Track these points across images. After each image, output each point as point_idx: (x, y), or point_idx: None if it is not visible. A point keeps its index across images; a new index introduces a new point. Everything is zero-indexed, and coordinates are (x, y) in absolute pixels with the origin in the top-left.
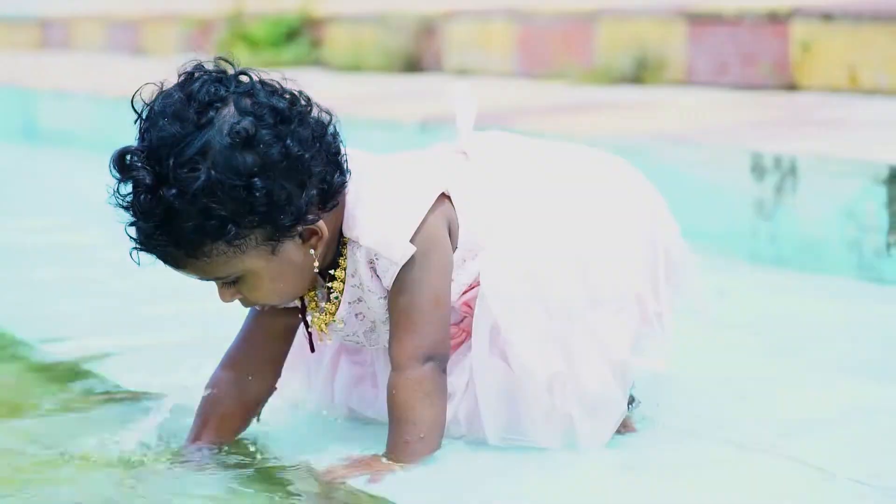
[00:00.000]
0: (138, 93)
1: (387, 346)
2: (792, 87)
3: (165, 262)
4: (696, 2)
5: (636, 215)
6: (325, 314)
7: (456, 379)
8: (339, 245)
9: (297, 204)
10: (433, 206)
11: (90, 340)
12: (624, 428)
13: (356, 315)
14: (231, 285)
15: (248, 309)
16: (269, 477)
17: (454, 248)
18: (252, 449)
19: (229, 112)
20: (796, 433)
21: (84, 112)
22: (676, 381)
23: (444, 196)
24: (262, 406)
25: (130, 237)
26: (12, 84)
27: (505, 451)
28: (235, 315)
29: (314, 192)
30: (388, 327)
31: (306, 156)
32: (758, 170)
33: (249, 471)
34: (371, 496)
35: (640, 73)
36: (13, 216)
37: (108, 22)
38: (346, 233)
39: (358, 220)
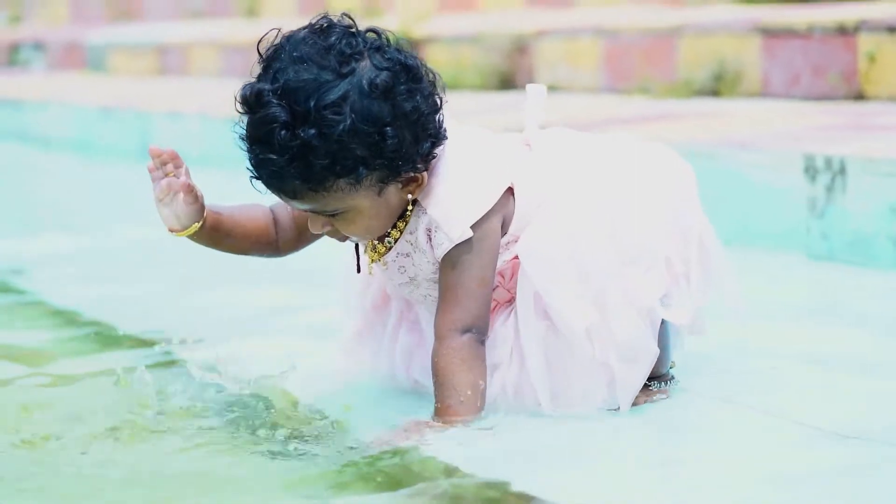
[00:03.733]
0: (264, 38)
1: (423, 301)
2: (859, 96)
3: (283, 192)
4: (770, 16)
5: (671, 196)
6: (375, 253)
7: (499, 350)
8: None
9: (414, 154)
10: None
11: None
12: (660, 393)
13: (399, 267)
14: (328, 217)
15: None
16: (322, 441)
17: (503, 234)
18: (308, 413)
19: (367, 65)
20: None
21: (194, 131)
22: (714, 356)
23: (509, 189)
24: (264, 254)
25: (250, 168)
26: (130, 108)
27: (547, 418)
28: None
29: (427, 144)
30: (430, 285)
31: (427, 112)
32: (810, 171)
33: (303, 432)
34: (414, 451)
35: (718, 86)
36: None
37: (224, 47)
38: (419, 195)
39: (432, 188)
